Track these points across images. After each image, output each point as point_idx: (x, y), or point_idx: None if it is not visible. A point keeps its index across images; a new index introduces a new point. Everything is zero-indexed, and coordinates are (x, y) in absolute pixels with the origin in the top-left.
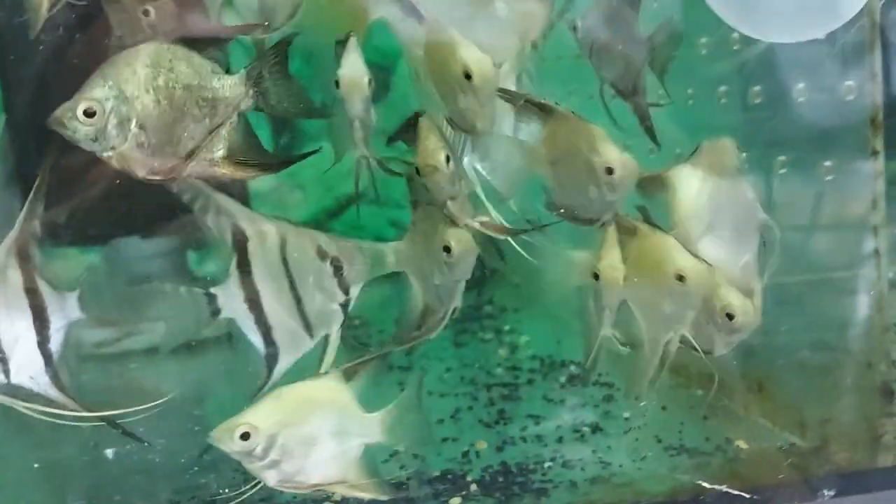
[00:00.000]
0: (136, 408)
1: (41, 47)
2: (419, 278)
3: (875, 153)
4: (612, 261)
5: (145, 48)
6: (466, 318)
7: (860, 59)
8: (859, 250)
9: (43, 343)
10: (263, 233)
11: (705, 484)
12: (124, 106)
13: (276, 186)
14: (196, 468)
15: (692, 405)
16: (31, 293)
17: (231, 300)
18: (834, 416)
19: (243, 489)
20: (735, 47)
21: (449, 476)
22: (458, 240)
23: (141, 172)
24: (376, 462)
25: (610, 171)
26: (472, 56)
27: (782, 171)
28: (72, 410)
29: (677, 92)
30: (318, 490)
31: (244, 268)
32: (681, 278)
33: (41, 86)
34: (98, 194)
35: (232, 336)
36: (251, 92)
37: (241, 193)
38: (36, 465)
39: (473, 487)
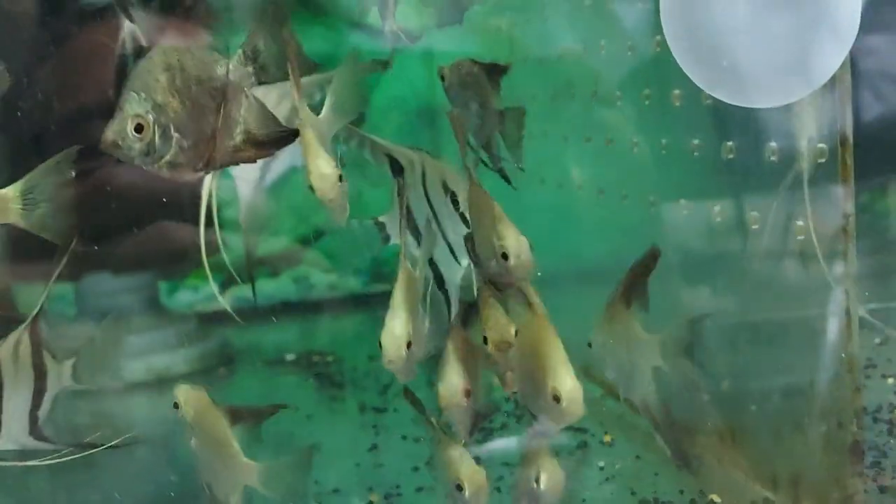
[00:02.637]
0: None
1: None
2: None
3: (846, 216)
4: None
5: (155, 55)
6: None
7: (832, 123)
8: (830, 301)
9: (34, 409)
10: (411, 161)
11: None
12: (162, 116)
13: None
14: None
15: (666, 455)
16: (37, 367)
17: (395, 227)
18: (805, 473)
19: None
20: (707, 101)
21: None
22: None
23: (187, 175)
24: None
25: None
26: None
27: (755, 226)
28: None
29: (652, 142)
30: None
31: (401, 196)
32: None
33: None
34: None
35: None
36: (251, 69)
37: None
38: None
39: None
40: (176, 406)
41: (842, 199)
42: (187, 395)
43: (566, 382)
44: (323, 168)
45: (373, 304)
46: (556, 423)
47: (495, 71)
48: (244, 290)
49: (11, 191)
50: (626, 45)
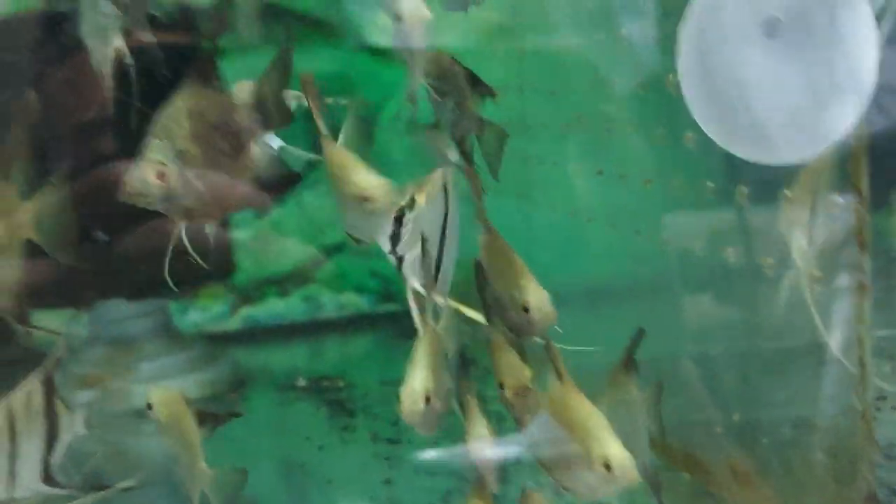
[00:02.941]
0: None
1: None
2: None
3: (861, 269)
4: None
5: (181, 98)
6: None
7: (845, 177)
8: (844, 348)
9: (46, 457)
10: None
11: None
12: (183, 162)
13: (257, 235)
14: None
15: (679, 488)
16: (50, 416)
17: None
18: None
19: None
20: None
21: None
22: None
23: (201, 220)
24: None
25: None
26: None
27: (768, 269)
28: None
29: (662, 181)
30: None
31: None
32: None
33: None
34: None
35: None
36: (258, 117)
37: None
38: None
39: None
40: (150, 407)
41: (858, 249)
42: (161, 397)
43: (615, 450)
44: (374, 181)
45: (382, 324)
46: (605, 492)
47: (478, 82)
48: (253, 311)
49: (28, 205)
50: (638, 82)
